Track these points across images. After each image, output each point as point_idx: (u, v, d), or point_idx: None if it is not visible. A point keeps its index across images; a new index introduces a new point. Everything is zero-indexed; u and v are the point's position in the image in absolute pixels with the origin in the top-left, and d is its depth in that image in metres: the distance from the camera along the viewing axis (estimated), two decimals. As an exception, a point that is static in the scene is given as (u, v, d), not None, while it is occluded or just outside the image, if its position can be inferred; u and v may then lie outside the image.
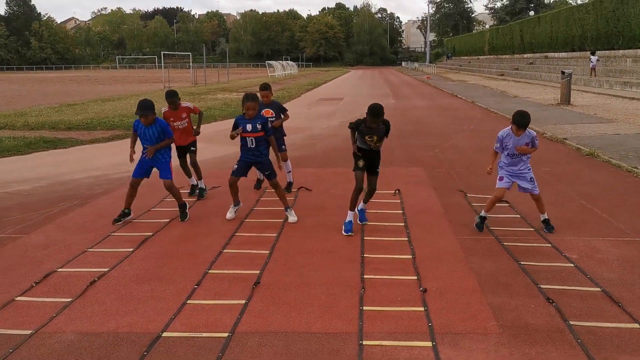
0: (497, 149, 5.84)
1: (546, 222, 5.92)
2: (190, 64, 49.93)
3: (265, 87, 7.50)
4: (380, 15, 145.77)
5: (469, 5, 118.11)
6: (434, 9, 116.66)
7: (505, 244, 5.49)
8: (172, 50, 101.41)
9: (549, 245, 5.46)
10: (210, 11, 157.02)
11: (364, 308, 4.13)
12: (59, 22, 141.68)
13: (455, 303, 4.20)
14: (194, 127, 7.56)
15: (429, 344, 3.60)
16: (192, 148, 7.59)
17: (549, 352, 3.49)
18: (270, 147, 6.63)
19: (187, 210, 6.59)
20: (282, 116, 7.64)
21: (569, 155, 10.30)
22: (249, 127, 6.22)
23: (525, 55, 51.04)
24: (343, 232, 5.89)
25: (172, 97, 7.28)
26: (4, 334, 3.80)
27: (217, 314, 4.08)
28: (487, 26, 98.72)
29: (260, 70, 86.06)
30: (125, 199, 6.50)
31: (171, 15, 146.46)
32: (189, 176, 7.77)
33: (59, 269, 4.98)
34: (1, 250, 5.54)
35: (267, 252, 5.37)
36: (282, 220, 6.42)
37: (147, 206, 7.08)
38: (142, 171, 6.50)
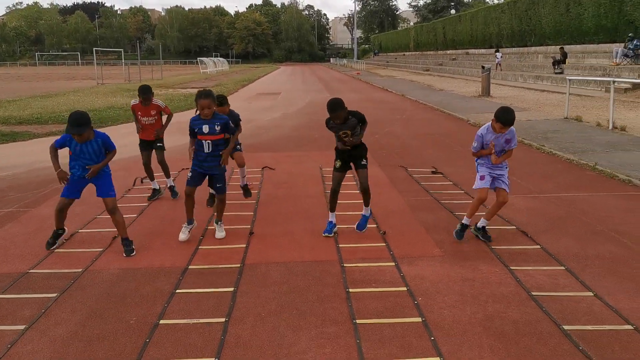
0: (475, 148, 5.33)
1: (484, 229, 5.46)
2: (123, 60, 49.39)
3: (222, 102, 6.57)
4: (307, 12, 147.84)
5: (393, 3, 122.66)
6: (360, 6, 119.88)
7: (442, 202, 6.90)
8: (95, 47, 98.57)
9: (475, 201, 6.92)
10: (133, 7, 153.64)
11: (340, 245, 5.38)
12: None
13: (408, 240, 5.53)
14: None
15: (392, 263, 4.90)
16: (158, 144, 7.18)
17: (478, 264, 4.86)
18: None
19: (132, 246, 5.26)
20: (237, 128, 6.59)
21: (489, 138, 11.96)
22: (205, 128, 5.40)
23: (448, 52, 54.04)
24: (323, 233, 5.72)
25: (146, 93, 6.91)
26: (59, 272, 4.77)
27: (226, 254, 5.20)
28: (412, 23, 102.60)
29: (189, 67, 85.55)
30: (55, 220, 5.42)
31: (92, 10, 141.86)
32: (152, 179, 7.32)
33: (80, 230, 5.92)
34: (19, 220, 6.37)
35: (252, 213, 6.52)
36: (256, 191, 7.55)
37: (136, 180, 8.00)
38: (75, 190, 5.31)
